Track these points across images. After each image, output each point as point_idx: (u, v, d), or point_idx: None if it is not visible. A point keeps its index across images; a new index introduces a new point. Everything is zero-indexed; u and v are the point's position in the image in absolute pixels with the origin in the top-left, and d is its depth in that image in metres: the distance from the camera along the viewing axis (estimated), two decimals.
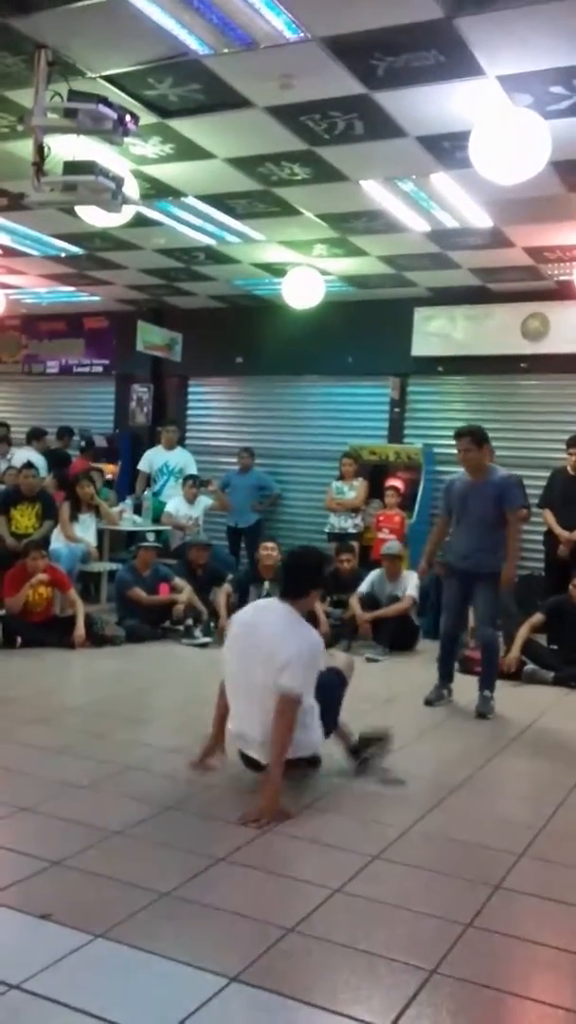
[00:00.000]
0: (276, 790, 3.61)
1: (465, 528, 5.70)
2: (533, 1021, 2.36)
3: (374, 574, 7.64)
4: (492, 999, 2.38)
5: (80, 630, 6.87)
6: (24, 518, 8.01)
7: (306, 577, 4.03)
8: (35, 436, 10.16)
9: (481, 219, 7.06)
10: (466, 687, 6.07)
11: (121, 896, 2.81)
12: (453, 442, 5.82)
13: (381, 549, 7.86)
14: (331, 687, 4.05)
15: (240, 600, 7.74)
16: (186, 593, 7.64)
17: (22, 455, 9.47)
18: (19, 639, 6.81)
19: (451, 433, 5.95)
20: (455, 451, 5.79)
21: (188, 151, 6.05)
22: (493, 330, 9.41)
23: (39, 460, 9.41)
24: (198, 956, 2.46)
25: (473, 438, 5.65)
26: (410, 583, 7.49)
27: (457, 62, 4.63)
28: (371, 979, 2.43)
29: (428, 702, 5.75)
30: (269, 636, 3.77)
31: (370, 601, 7.54)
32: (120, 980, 2.35)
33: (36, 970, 2.34)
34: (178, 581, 7.76)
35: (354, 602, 7.54)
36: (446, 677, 5.89)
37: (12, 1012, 2.18)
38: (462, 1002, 2.34)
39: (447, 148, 5.74)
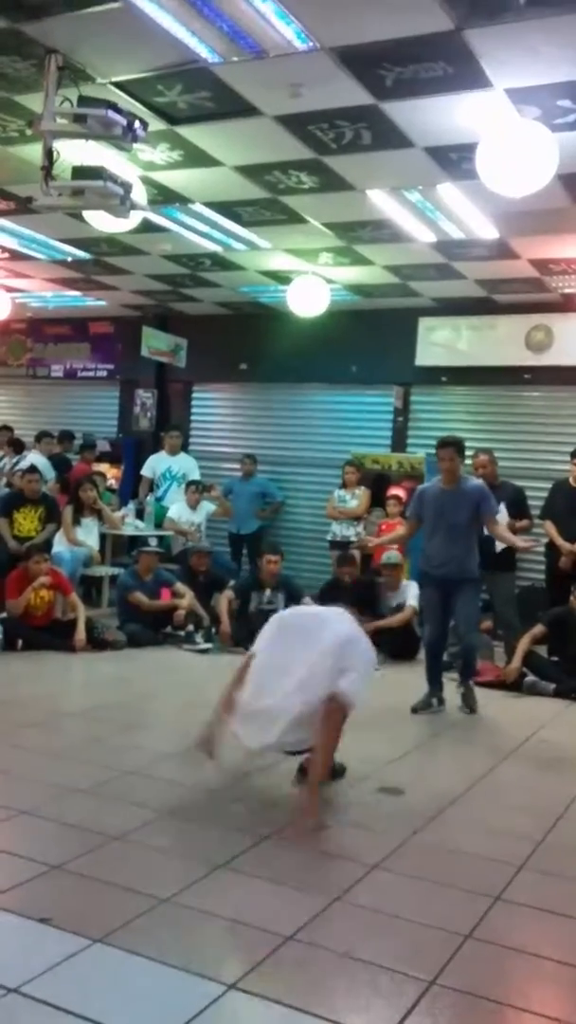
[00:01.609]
0: (316, 799, 3.61)
1: (441, 535, 5.81)
2: None
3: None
4: (491, 1011, 2.37)
5: (81, 634, 6.87)
6: (27, 521, 8.02)
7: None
8: (39, 439, 10.17)
9: (487, 230, 7.08)
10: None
11: (120, 901, 2.80)
12: None
13: (381, 558, 7.87)
14: None
15: (241, 606, 7.75)
16: (188, 598, 7.64)
17: (29, 458, 9.49)
18: (20, 642, 6.82)
19: (438, 444, 6.04)
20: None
21: (196, 158, 6.07)
22: (497, 341, 9.42)
23: (43, 463, 9.42)
24: (196, 962, 2.46)
25: (458, 448, 5.89)
26: (410, 593, 7.49)
27: (465, 74, 4.64)
28: (370, 989, 2.42)
29: (414, 710, 5.80)
30: (338, 632, 3.79)
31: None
32: (118, 985, 2.35)
33: (34, 974, 2.34)
34: (180, 586, 7.77)
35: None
36: (435, 685, 5.93)
37: (9, 1016, 2.17)
38: (461, 1013, 2.34)
39: (454, 159, 5.75)
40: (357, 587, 7.81)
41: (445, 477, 5.89)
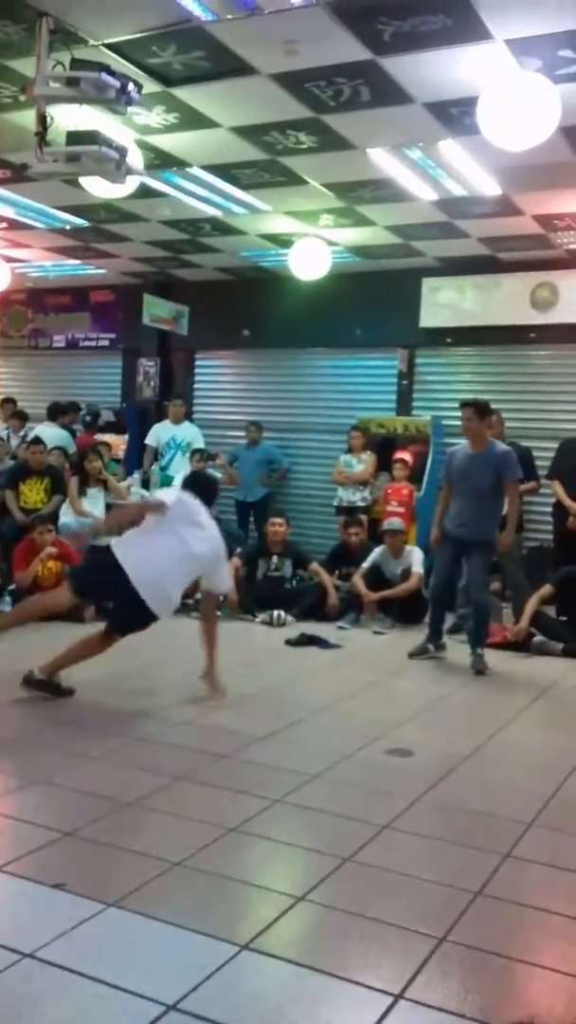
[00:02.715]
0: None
1: (463, 497, 5.97)
2: (542, 988, 2.37)
3: (378, 551, 7.63)
4: (502, 966, 2.39)
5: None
6: (33, 493, 8.02)
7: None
8: (60, 412, 10.15)
9: (490, 187, 6.97)
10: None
11: (133, 866, 2.83)
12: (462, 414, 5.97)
13: (383, 525, 7.86)
14: None
15: (249, 573, 7.77)
16: None
17: (40, 431, 9.50)
18: None
19: (459, 405, 6.12)
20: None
21: (192, 120, 5.98)
22: (502, 300, 9.32)
23: (60, 435, 9.44)
24: (209, 924, 2.49)
25: (476, 409, 5.95)
26: (414, 559, 7.49)
27: (465, 26, 4.55)
28: (381, 947, 2.45)
29: (411, 655, 6.11)
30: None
31: (375, 577, 7.54)
32: (132, 948, 2.38)
33: (49, 938, 2.37)
34: None
35: (357, 580, 7.53)
36: (435, 634, 6.21)
37: (26, 980, 2.21)
38: (472, 969, 2.36)
39: (455, 114, 5.65)
40: (364, 550, 7.80)
41: (469, 439, 6.00)
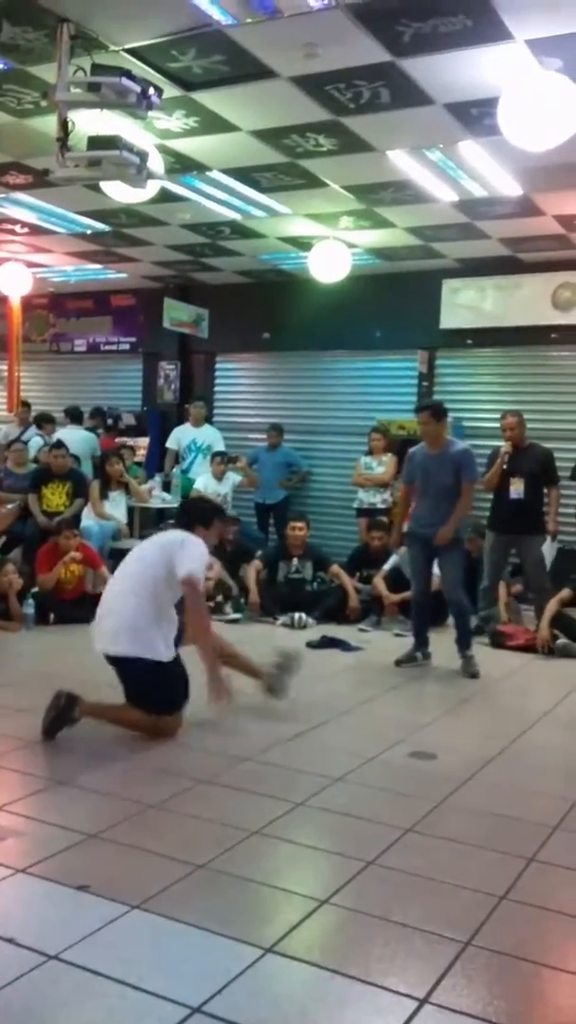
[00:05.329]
0: (216, 679, 4.23)
1: (427, 497, 5.99)
2: (568, 993, 2.35)
3: (398, 553, 7.60)
4: (528, 971, 2.38)
5: None
6: (55, 496, 8.06)
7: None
8: (83, 415, 10.28)
9: (510, 187, 6.94)
10: (498, 660, 6.07)
11: (157, 868, 2.84)
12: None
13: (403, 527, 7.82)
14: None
15: (269, 576, 7.77)
16: (216, 569, 7.66)
17: (63, 434, 9.58)
18: (52, 616, 6.89)
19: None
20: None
21: (212, 124, 6.00)
22: (523, 301, 9.27)
23: (88, 438, 9.52)
24: (233, 927, 2.48)
25: (432, 412, 6.03)
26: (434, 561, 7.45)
27: (485, 26, 4.53)
28: (405, 950, 2.44)
29: (398, 662, 6.01)
30: (164, 535, 4.60)
31: (395, 579, 7.51)
32: (157, 950, 2.38)
33: (74, 940, 2.38)
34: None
35: (378, 582, 7.52)
36: (420, 641, 6.12)
37: (51, 982, 2.21)
38: (498, 974, 2.35)
39: (475, 115, 5.63)
40: (385, 552, 7.78)
41: (427, 440, 6.05)
